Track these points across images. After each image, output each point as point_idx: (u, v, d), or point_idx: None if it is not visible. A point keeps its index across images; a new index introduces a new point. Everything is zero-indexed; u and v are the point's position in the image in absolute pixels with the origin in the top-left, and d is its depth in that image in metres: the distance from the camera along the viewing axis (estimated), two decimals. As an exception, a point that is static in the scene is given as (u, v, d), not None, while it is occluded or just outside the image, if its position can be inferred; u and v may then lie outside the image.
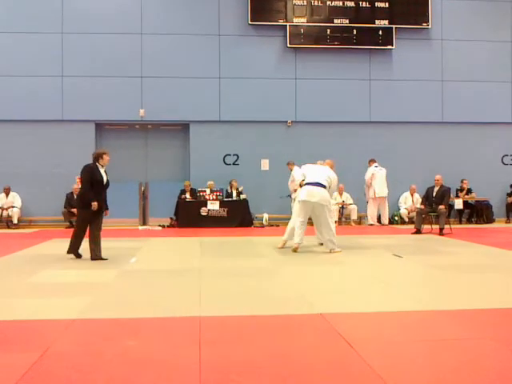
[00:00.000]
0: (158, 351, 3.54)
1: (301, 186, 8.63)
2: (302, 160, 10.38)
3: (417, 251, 8.73)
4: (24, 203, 13.73)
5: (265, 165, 14.69)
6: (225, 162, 14.62)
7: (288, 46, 14.46)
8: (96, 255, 7.54)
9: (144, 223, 13.93)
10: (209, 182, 13.77)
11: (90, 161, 7.82)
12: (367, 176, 13.84)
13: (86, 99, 14.04)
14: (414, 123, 14.96)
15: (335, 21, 14.51)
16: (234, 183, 13.96)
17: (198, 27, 14.37)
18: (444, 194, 11.35)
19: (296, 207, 8.87)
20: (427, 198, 11.66)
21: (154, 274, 6.58)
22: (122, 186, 12.97)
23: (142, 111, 14.29)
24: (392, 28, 14.67)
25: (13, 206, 13.55)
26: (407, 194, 14.56)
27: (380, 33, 14.68)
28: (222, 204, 13.41)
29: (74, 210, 9.77)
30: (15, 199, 13.64)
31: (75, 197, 11.45)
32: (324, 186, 8.36)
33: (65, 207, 13.36)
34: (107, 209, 7.82)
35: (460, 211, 14.49)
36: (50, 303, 4.98)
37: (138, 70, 14.25)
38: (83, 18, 14.04)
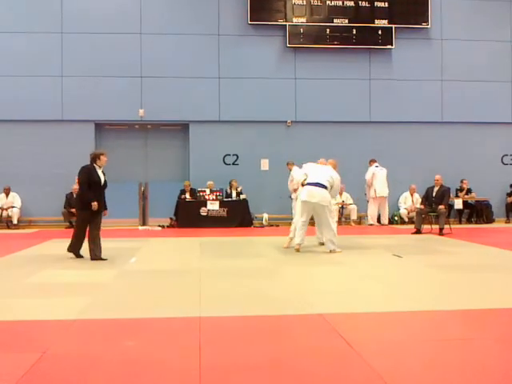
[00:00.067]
0: (158, 351, 3.54)
1: (303, 185, 8.63)
2: (302, 160, 10.35)
3: (417, 251, 8.72)
4: (24, 203, 13.71)
5: (264, 165, 14.68)
6: (224, 162, 14.60)
7: (288, 45, 14.45)
8: (95, 255, 7.54)
9: (144, 223, 13.91)
10: (208, 182, 13.75)
11: (89, 161, 7.83)
12: (368, 176, 13.82)
13: (86, 99, 14.01)
14: (414, 123, 14.94)
15: (335, 20, 14.50)
16: (234, 183, 13.94)
17: (197, 27, 14.35)
18: (444, 193, 11.34)
19: (298, 207, 8.88)
20: (427, 198, 11.65)
21: (153, 274, 6.58)
22: (121, 186, 12.97)
23: (141, 111, 14.28)
24: (392, 28, 14.65)
25: (13, 206, 13.54)
26: (407, 193, 14.54)
27: (380, 32, 14.66)
28: (222, 204, 13.39)
29: (74, 211, 9.77)
30: (15, 199, 13.62)
31: (75, 197, 11.45)
32: (325, 187, 8.36)
33: (64, 207, 13.36)
34: (106, 209, 7.84)
35: (460, 211, 14.48)
36: (49, 303, 4.97)
37: (138, 70, 14.24)
38: (83, 18, 14.02)
